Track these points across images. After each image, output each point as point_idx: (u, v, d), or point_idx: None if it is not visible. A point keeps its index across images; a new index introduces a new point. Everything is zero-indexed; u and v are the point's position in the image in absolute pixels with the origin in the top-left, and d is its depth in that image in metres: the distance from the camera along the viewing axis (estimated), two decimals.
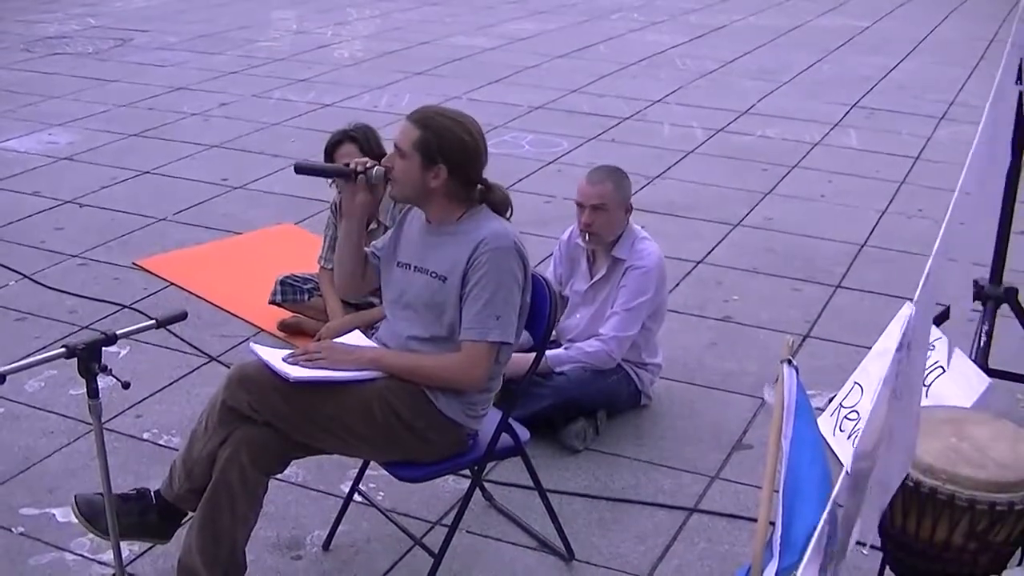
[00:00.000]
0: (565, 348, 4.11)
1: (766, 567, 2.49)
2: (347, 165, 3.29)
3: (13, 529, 3.64)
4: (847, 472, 2.01)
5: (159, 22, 12.35)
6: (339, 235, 3.38)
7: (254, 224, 6.34)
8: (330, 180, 4.68)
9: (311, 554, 3.55)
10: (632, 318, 4.12)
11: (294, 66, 10.26)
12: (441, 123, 3.11)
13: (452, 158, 3.09)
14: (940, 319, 4.19)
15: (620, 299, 4.14)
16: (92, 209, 6.57)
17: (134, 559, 3.47)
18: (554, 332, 3.57)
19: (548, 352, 3.96)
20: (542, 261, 5.04)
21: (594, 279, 4.27)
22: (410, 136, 3.10)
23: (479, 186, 3.18)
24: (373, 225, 4.68)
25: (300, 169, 3.38)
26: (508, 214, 3.22)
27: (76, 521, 3.23)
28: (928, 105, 9.13)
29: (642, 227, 4.37)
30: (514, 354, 3.28)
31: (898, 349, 1.93)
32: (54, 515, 3.70)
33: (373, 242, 3.42)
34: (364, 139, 4.61)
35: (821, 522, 1.74)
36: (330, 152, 4.67)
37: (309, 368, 3.08)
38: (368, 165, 3.23)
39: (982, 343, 4.15)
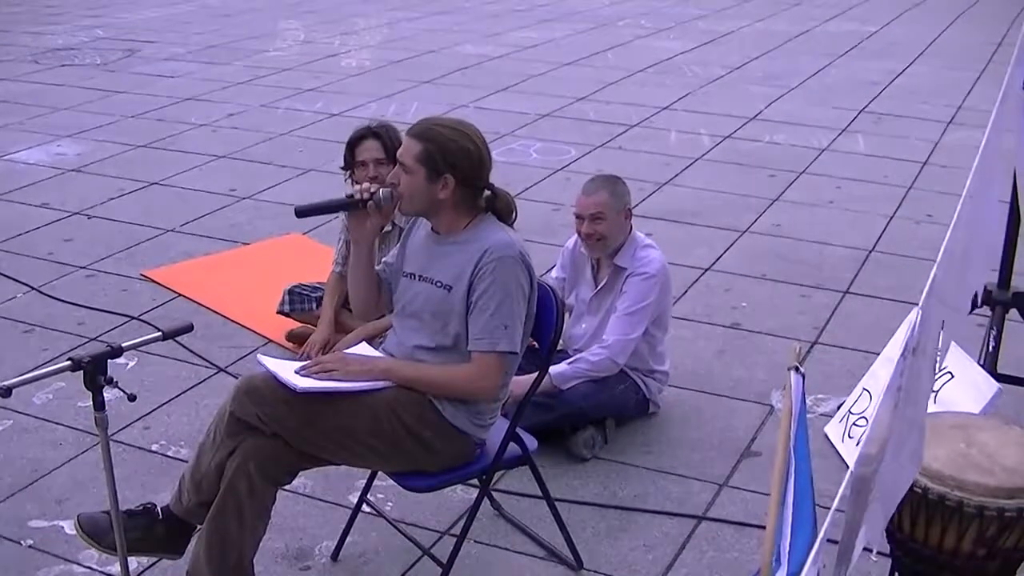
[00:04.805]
0: (568, 363, 4.10)
1: (774, 575, 2.48)
2: (350, 196, 3.20)
3: (22, 542, 3.64)
4: (850, 475, 2.00)
5: (166, 33, 12.40)
6: (351, 261, 3.31)
7: (262, 234, 6.35)
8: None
9: (320, 565, 3.55)
10: (633, 322, 4.11)
11: (302, 76, 10.29)
12: (442, 134, 3.09)
13: (458, 168, 3.07)
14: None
15: (621, 304, 4.13)
16: (100, 220, 6.59)
17: (142, 571, 3.46)
18: (561, 340, 3.57)
19: (553, 370, 3.96)
20: (549, 270, 5.03)
21: (598, 287, 4.26)
22: (412, 151, 3.08)
23: (486, 192, 3.18)
24: (388, 227, 4.62)
25: (301, 212, 3.22)
26: (512, 219, 3.21)
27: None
28: (936, 110, 9.12)
29: (648, 234, 4.37)
30: (516, 377, 3.27)
31: (902, 355, 1.92)
32: (63, 527, 3.70)
33: (384, 258, 3.40)
34: (387, 136, 4.51)
35: (819, 536, 1.72)
36: (352, 147, 4.61)
37: (319, 380, 3.08)
38: (373, 189, 3.18)
39: (990, 348, 4.13)
